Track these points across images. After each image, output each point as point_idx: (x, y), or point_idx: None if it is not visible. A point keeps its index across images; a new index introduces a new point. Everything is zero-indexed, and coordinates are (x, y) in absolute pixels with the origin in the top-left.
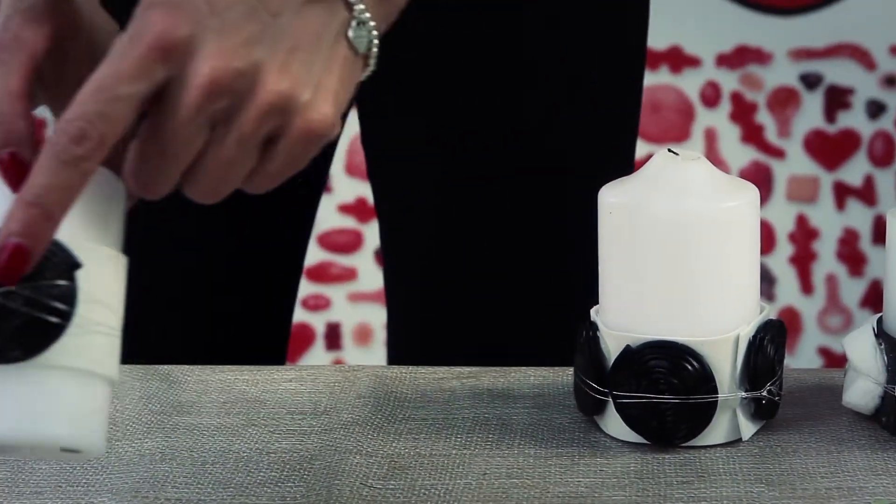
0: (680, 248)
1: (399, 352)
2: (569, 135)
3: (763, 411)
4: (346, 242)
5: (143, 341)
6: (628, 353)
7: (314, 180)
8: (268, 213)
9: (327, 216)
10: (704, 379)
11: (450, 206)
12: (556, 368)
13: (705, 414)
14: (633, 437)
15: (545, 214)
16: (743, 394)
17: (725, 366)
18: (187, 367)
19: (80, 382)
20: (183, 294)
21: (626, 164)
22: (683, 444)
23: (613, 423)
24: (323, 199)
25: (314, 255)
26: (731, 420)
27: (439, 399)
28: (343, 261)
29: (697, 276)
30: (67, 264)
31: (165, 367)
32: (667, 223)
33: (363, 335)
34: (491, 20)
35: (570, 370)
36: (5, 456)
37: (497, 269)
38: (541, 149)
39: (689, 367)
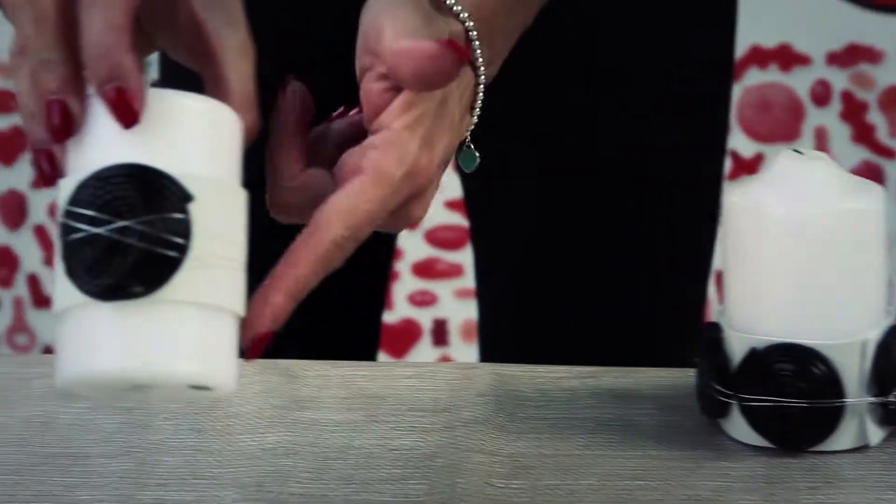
0: (806, 250)
1: (490, 347)
2: (653, 143)
3: (891, 417)
4: (452, 238)
5: None
6: (754, 355)
7: None
8: None
9: (434, 212)
10: (832, 383)
11: (539, 203)
12: (678, 370)
13: (832, 418)
14: (758, 440)
15: (632, 218)
16: (871, 399)
17: (853, 370)
18: (306, 361)
19: (203, 316)
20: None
21: (714, 168)
22: (810, 449)
23: (738, 427)
24: None
25: (421, 250)
26: (858, 425)
27: (560, 398)
28: (449, 257)
29: (824, 278)
30: (180, 197)
31: (284, 361)
32: (792, 224)
33: (470, 331)
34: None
35: (692, 371)
36: (136, 398)
37: (583, 269)
38: (625, 156)
39: (817, 371)
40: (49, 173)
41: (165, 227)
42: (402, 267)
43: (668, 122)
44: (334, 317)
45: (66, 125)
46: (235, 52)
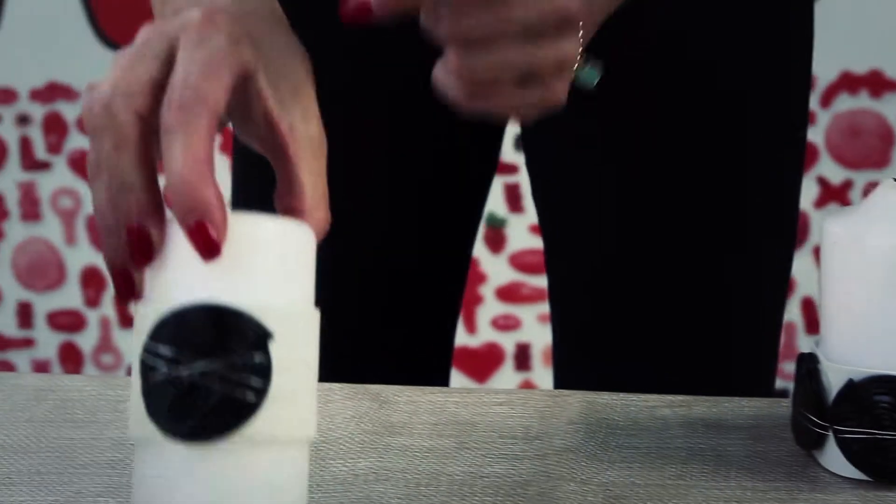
0: None
1: (563, 373)
2: (730, 167)
3: None
4: (536, 263)
5: None
6: (851, 386)
7: (483, 166)
8: (439, 190)
9: (518, 236)
10: None
11: (613, 227)
12: (770, 399)
13: None
14: (854, 473)
15: (709, 243)
16: None
17: None
18: (397, 387)
19: (278, 451)
20: (334, 280)
21: (794, 193)
22: None
23: (834, 459)
24: (515, 220)
25: (505, 275)
26: None
27: (651, 427)
28: (533, 281)
29: None
30: (259, 336)
31: (376, 386)
32: (892, 255)
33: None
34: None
35: (784, 401)
36: None
37: (658, 295)
38: (703, 180)
39: None
40: (125, 293)
41: (245, 369)
42: (486, 291)
43: (748, 145)
44: (409, 334)
45: (145, 252)
46: (308, 149)
